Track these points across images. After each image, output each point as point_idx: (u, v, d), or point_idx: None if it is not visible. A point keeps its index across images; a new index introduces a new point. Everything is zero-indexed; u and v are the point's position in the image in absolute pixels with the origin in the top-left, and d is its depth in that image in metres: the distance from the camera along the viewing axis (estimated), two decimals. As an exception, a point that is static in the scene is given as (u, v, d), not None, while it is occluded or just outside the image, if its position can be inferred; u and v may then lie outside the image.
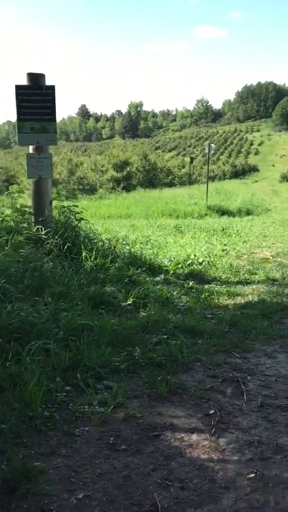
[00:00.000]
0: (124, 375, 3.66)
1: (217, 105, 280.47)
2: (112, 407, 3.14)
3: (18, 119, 7.03)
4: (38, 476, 2.41)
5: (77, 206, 7.98)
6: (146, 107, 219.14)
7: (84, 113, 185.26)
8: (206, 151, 23.08)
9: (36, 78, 6.96)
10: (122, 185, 34.23)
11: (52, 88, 7.00)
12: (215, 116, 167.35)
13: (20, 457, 2.52)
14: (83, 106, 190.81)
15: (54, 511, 2.19)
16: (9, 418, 2.93)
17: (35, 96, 6.93)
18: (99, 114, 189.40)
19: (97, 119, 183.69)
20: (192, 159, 41.15)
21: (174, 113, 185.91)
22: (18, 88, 6.92)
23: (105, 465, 2.56)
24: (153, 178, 38.03)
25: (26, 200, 9.07)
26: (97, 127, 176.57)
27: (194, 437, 2.84)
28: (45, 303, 4.68)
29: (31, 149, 7.28)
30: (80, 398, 3.25)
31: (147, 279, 6.46)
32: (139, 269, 6.75)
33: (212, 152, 24.48)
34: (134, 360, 3.85)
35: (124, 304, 5.30)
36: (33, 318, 4.18)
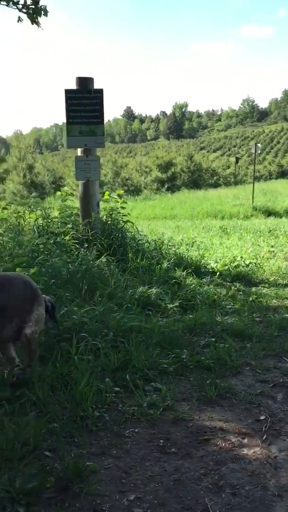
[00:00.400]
0: (172, 378, 3.66)
1: (263, 104, 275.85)
2: (161, 409, 3.15)
3: (67, 122, 7.16)
4: (90, 476, 2.44)
5: (124, 208, 8.04)
6: (191, 108, 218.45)
7: (129, 115, 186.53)
8: (253, 150, 22.73)
9: (85, 82, 7.07)
10: (166, 186, 34.22)
11: (100, 91, 7.08)
12: (261, 115, 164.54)
13: (72, 456, 2.56)
14: (128, 108, 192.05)
15: (107, 512, 2.22)
16: (61, 417, 2.98)
17: (84, 100, 7.04)
18: (144, 115, 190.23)
19: (142, 120, 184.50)
20: (237, 159, 40.61)
21: (219, 113, 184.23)
22: (68, 92, 7.05)
23: (156, 467, 2.57)
24: (197, 179, 37.82)
25: (74, 202, 9.23)
26: (142, 128, 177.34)
27: (245, 442, 2.81)
28: (95, 304, 4.74)
29: (79, 151, 7.40)
30: (129, 399, 3.27)
31: (193, 280, 6.43)
32: (185, 271, 6.74)
33: (259, 152, 24.09)
34: (182, 363, 3.84)
35: (171, 305, 5.30)
36: (82, 319, 4.24)
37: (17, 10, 6.07)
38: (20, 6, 6.06)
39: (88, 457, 2.62)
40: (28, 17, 6.14)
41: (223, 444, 2.78)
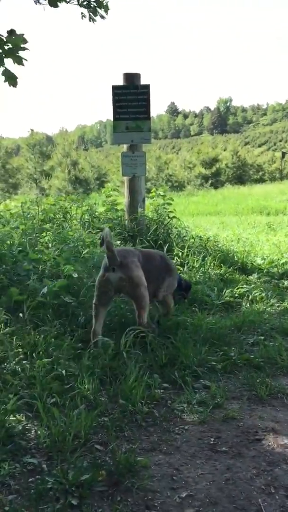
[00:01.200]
0: (221, 375, 3.61)
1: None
2: (211, 407, 3.12)
3: (114, 118, 7.21)
4: (141, 471, 2.44)
5: (170, 204, 8.02)
6: (235, 103, 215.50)
7: (173, 110, 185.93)
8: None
9: (131, 78, 7.09)
10: (210, 182, 33.92)
11: (147, 87, 7.08)
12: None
13: (123, 451, 2.57)
14: (172, 103, 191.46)
15: (158, 508, 2.21)
16: (111, 412, 3.00)
17: (131, 96, 7.06)
18: (187, 111, 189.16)
19: (186, 116, 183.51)
20: (283, 154, 39.81)
21: (264, 107, 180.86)
22: (115, 88, 7.09)
23: (207, 465, 2.54)
24: (242, 174, 37.31)
25: (119, 197, 9.28)
26: (186, 123, 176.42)
27: (298, 444, 2.74)
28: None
29: (125, 147, 7.43)
30: (178, 396, 3.25)
31: (240, 277, 6.34)
32: (231, 268, 6.65)
33: (306, 146, 23.51)
34: (231, 361, 3.79)
35: (218, 302, 5.24)
36: (129, 314, 4.25)
37: (77, 5, 5.90)
38: (81, 1, 5.89)
39: (138, 452, 2.62)
40: (91, 11, 5.98)
41: (275, 445, 2.73)
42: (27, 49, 4.30)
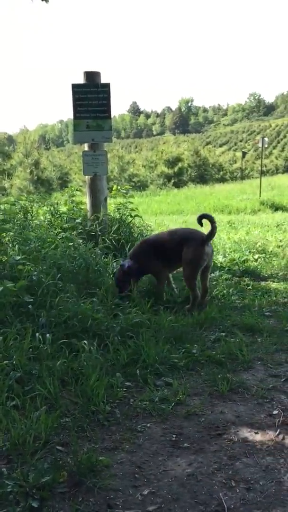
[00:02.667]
0: (183, 372, 3.64)
1: (269, 98, 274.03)
2: (173, 404, 3.13)
3: (75, 117, 7.14)
4: (103, 470, 2.43)
5: (132, 203, 8.01)
6: (196, 103, 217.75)
7: (135, 110, 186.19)
8: (260, 145, 22.61)
9: (92, 76, 7.04)
10: (172, 181, 34.12)
11: (107, 85, 7.05)
12: (268, 110, 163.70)
13: (85, 451, 2.55)
14: (134, 103, 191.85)
15: (120, 507, 2.20)
16: (73, 412, 2.97)
17: (91, 94, 7.01)
18: (149, 111, 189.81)
19: (148, 115, 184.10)
20: (244, 153, 40.45)
21: (225, 107, 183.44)
22: (75, 86, 7.02)
23: (169, 462, 2.55)
24: (204, 174, 37.68)
25: (81, 197, 9.21)
26: (148, 123, 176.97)
27: (258, 437, 2.78)
28: (101, 300, 4.73)
29: (86, 146, 7.37)
30: (140, 394, 3.25)
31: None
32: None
33: (266, 146, 23.95)
34: (193, 358, 3.82)
35: (180, 300, 5.27)
36: (90, 313, 4.22)
37: None
38: None
39: (100, 451, 2.60)
40: None
41: (236, 439, 2.76)
42: None
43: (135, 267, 5.05)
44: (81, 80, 7.12)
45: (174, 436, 2.80)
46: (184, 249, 4.96)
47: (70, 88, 7.05)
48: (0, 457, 2.51)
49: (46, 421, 2.72)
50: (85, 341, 3.69)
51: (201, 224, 5.15)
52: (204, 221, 5.13)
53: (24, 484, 2.25)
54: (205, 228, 5.08)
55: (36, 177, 28.73)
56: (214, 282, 6.01)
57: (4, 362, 3.33)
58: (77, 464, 2.43)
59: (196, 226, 5.25)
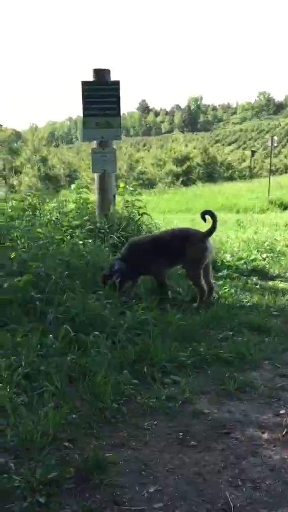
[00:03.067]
0: (190, 371, 3.63)
1: (279, 97, 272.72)
2: (180, 402, 3.13)
3: (84, 114, 7.15)
4: (110, 467, 2.43)
5: (140, 201, 8.01)
6: (206, 101, 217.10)
7: (143, 108, 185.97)
8: (269, 144, 22.52)
9: (101, 74, 7.05)
10: (181, 180, 34.08)
11: (117, 83, 7.06)
12: (277, 108, 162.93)
13: (92, 448, 2.55)
14: (143, 101, 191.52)
15: (127, 503, 2.20)
16: (80, 408, 2.98)
17: (101, 92, 7.02)
18: (158, 109, 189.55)
19: (157, 113, 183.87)
20: (253, 152, 40.30)
21: (234, 106, 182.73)
22: (84, 84, 7.03)
23: (175, 460, 2.55)
24: (212, 172, 37.62)
25: (90, 194, 9.22)
26: (157, 121, 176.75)
27: (265, 436, 2.78)
28: (109, 297, 4.73)
29: (95, 144, 7.38)
30: (147, 392, 3.25)
31: (210, 274, 6.38)
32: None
33: (276, 145, 23.85)
34: (200, 356, 3.81)
35: (188, 299, 5.27)
36: (98, 311, 4.23)
37: None
38: None
39: (107, 448, 2.61)
40: None
41: (243, 438, 2.76)
42: None
43: (125, 268, 4.96)
44: (90, 77, 7.13)
45: (181, 434, 2.80)
46: (186, 247, 4.97)
47: (79, 86, 7.06)
48: (8, 453, 2.52)
49: (54, 417, 2.73)
50: (93, 337, 3.68)
51: (205, 220, 5.18)
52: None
53: (32, 479, 2.26)
54: (200, 226, 5.11)
55: (44, 174, 28.82)
56: (221, 281, 5.99)
57: (12, 358, 3.35)
58: (84, 461, 2.43)
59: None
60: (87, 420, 2.88)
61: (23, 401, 2.95)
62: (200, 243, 4.97)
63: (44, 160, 29.30)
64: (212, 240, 8.99)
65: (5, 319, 3.95)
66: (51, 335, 3.74)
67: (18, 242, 5.92)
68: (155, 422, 2.92)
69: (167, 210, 18.27)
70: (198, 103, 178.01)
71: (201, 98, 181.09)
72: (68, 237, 6.56)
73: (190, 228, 5.39)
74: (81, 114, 7.46)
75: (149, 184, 33.41)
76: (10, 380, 3.09)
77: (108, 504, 2.19)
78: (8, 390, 2.99)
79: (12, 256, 5.19)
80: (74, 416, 2.89)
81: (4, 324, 3.88)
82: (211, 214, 5.07)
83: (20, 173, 30.27)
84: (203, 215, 5.19)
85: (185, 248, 4.97)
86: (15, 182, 29.83)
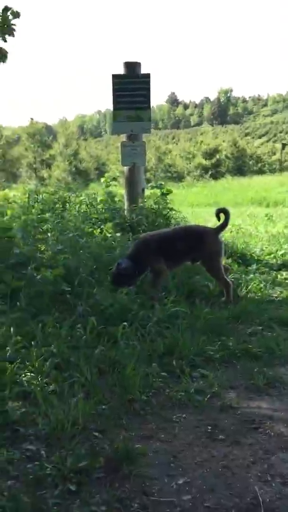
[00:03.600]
0: (219, 365, 3.63)
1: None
2: (208, 396, 3.13)
3: (114, 108, 7.17)
4: (139, 458, 2.46)
5: (168, 194, 8.01)
6: (236, 93, 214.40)
7: (172, 100, 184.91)
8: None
9: (132, 67, 7.05)
10: (210, 173, 33.85)
11: (147, 76, 7.05)
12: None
13: (121, 439, 2.59)
14: (172, 93, 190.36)
15: (156, 494, 2.23)
16: (109, 399, 3.02)
17: (131, 85, 7.02)
18: (187, 101, 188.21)
19: (186, 106, 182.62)
20: (284, 145, 39.66)
21: (265, 98, 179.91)
22: (115, 77, 7.05)
23: (204, 453, 2.56)
24: (242, 166, 37.20)
25: (118, 188, 9.26)
26: (186, 114, 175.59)
27: (295, 433, 2.76)
28: (137, 290, 4.75)
29: (124, 137, 7.39)
30: (176, 385, 3.27)
31: (239, 268, 6.34)
32: (230, 258, 6.65)
33: (306, 137, 23.39)
34: (229, 350, 3.81)
35: (216, 293, 5.25)
36: (127, 304, 4.26)
37: None
38: None
39: (136, 440, 2.64)
40: None
41: (272, 434, 2.75)
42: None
43: (132, 267, 4.76)
44: (120, 70, 7.14)
45: (209, 427, 2.80)
46: (202, 244, 4.95)
47: (109, 79, 7.09)
48: (40, 441, 2.58)
49: (84, 407, 2.78)
50: (122, 330, 3.71)
51: (219, 218, 5.14)
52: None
53: (62, 467, 2.31)
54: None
55: (74, 168, 29.06)
56: (250, 275, 5.94)
57: (43, 348, 3.41)
58: (113, 451, 2.47)
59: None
60: (116, 411, 2.91)
61: (53, 391, 3.01)
62: (216, 238, 5.01)
63: (74, 153, 29.52)
64: (242, 233, 9.00)
65: (36, 311, 4.01)
66: (80, 327, 3.79)
67: (49, 234, 6.00)
68: (184, 415, 2.93)
69: (195, 204, 18.19)
70: (228, 95, 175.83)
71: (231, 90, 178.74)
72: (97, 230, 6.61)
73: (198, 225, 5.56)
74: (110, 107, 7.49)
75: (178, 177, 33.28)
76: (41, 370, 3.15)
77: (137, 495, 2.22)
78: (40, 379, 3.05)
79: (42, 249, 5.27)
80: (103, 407, 2.93)
81: (35, 315, 3.95)
82: (225, 211, 5.09)
83: (50, 166, 30.59)
84: (217, 212, 5.19)
85: (200, 245, 4.94)
86: (45, 175, 30.16)
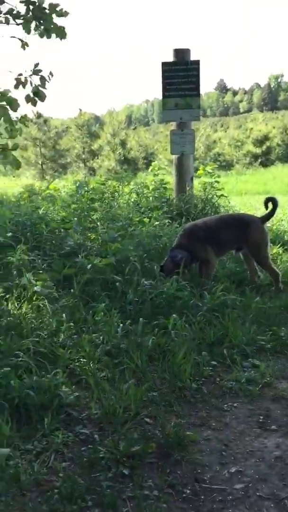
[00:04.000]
0: (270, 355, 3.58)
1: None
2: (260, 385, 3.10)
3: (163, 96, 7.13)
4: (190, 445, 2.47)
5: (218, 182, 7.92)
6: (287, 78, 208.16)
7: (221, 87, 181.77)
8: None
9: (181, 54, 6.98)
10: (259, 161, 33.12)
11: (197, 62, 6.96)
12: None
13: (172, 425, 2.60)
14: (221, 80, 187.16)
15: (208, 482, 2.23)
16: (160, 387, 3.04)
17: (180, 72, 6.95)
18: (237, 88, 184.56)
19: (235, 93, 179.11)
20: None
21: None
22: (164, 65, 7.00)
23: (256, 443, 2.54)
24: (293, 153, 36.12)
25: (166, 176, 9.24)
26: (235, 101, 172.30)
27: None
28: (187, 279, 4.73)
29: (174, 125, 7.35)
30: (227, 374, 3.25)
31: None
32: (281, 247, 6.51)
33: None
34: (280, 340, 3.75)
35: (267, 282, 5.16)
36: (176, 292, 4.25)
37: None
38: None
39: (187, 427, 2.65)
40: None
41: None
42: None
43: (187, 258, 4.75)
44: (169, 58, 7.08)
45: (261, 417, 2.78)
46: (249, 233, 4.88)
47: (157, 67, 7.05)
48: (92, 425, 2.64)
49: (135, 393, 2.81)
50: (172, 318, 3.71)
51: (267, 207, 5.09)
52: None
53: (115, 451, 2.35)
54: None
55: (123, 157, 29.19)
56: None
57: (94, 335, 3.47)
58: (165, 437, 2.49)
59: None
60: (166, 399, 2.93)
61: (105, 377, 3.06)
62: (262, 227, 4.94)
63: (122, 143, 29.63)
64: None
65: (87, 298, 4.08)
66: (130, 315, 3.83)
67: (98, 224, 6.07)
68: (235, 404, 2.92)
69: (245, 192, 17.85)
70: (279, 80, 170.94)
71: (282, 76, 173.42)
72: (146, 219, 6.63)
73: (245, 213, 5.50)
74: (158, 96, 7.47)
75: (227, 165, 32.78)
76: (93, 356, 3.21)
77: (189, 481, 2.23)
78: (91, 365, 3.11)
79: (92, 238, 5.35)
80: (154, 393, 2.96)
81: (87, 302, 4.02)
82: (274, 201, 5.03)
83: (98, 156, 30.86)
84: (266, 201, 5.13)
85: (245, 233, 4.88)
86: (93, 165, 30.47)
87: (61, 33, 4.46)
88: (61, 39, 4.46)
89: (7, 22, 4.42)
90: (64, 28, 4.47)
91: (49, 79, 4.31)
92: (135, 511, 2.04)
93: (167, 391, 3.01)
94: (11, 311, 3.60)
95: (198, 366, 3.27)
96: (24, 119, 4.33)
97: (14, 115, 4.19)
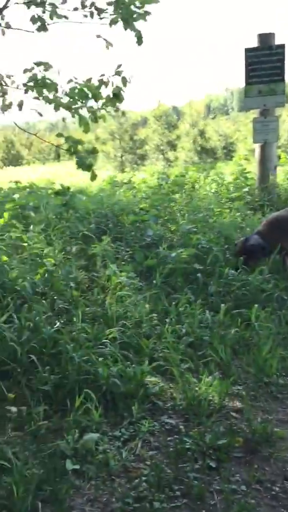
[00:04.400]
0: None
1: None
2: None
3: (246, 83, 6.95)
4: (278, 442, 2.41)
5: (302, 171, 7.61)
6: None
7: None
8: None
9: (266, 38, 6.77)
10: None
11: (282, 46, 6.72)
12: None
13: (259, 421, 2.55)
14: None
15: (299, 481, 2.17)
16: (245, 381, 2.99)
17: (264, 57, 6.74)
18: None
19: None
20: None
21: None
22: (247, 51, 6.82)
23: None
24: None
25: (248, 165, 9.02)
26: None
27: None
28: (269, 271, 4.60)
29: (256, 113, 7.16)
30: (315, 371, 3.13)
31: None
32: None
33: None
34: None
35: None
36: (260, 285, 4.14)
37: None
38: None
39: (274, 423, 2.58)
40: None
41: None
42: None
43: (260, 244, 4.63)
44: (253, 44, 6.88)
45: None
46: None
47: (238, 54, 6.88)
48: (177, 415, 2.65)
49: (220, 386, 2.78)
50: (255, 309, 3.62)
51: None
52: None
53: (201, 443, 2.34)
54: None
55: (200, 147, 28.90)
56: None
57: (177, 326, 3.47)
58: (252, 432, 2.44)
59: None
60: (252, 393, 2.87)
61: (189, 368, 3.05)
62: None
63: (201, 133, 29.31)
64: None
65: (169, 289, 4.09)
66: (213, 307, 3.78)
67: (178, 215, 6.05)
68: None
69: None
70: None
71: None
72: (227, 210, 6.52)
73: None
74: (238, 84, 7.29)
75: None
76: (176, 347, 3.21)
77: (278, 478, 2.18)
78: (174, 356, 3.12)
79: (173, 229, 5.35)
80: (239, 387, 2.91)
81: (169, 293, 4.03)
82: None
83: (175, 148, 30.76)
84: None
85: None
86: (172, 157, 30.44)
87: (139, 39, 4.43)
88: (139, 45, 4.44)
89: (91, 15, 4.45)
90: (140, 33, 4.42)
91: (130, 80, 4.32)
92: (223, 504, 2.03)
93: (253, 385, 2.95)
94: (98, 301, 3.69)
95: (285, 361, 3.17)
96: (103, 115, 4.38)
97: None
